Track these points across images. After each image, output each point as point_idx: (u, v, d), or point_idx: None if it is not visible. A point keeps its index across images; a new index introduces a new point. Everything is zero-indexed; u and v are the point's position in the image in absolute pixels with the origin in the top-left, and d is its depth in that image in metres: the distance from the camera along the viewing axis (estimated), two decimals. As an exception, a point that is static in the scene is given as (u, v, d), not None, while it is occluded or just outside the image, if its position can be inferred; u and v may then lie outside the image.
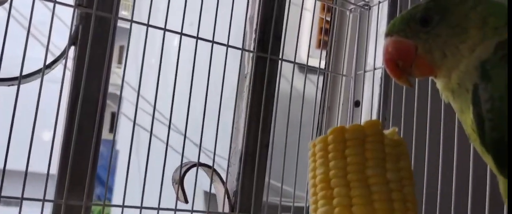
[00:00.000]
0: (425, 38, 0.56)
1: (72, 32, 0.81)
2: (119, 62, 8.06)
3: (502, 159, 0.49)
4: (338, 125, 1.19)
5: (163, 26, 0.86)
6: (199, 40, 0.91)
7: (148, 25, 0.84)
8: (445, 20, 0.55)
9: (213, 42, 0.91)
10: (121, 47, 7.77)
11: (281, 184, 1.02)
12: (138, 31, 0.91)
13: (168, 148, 0.94)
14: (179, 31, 0.89)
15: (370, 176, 0.50)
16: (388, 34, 0.58)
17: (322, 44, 1.20)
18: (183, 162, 0.93)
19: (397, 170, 0.52)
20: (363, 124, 0.54)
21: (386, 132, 0.55)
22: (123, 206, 0.85)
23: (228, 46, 0.93)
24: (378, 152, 0.52)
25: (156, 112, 0.92)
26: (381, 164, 0.51)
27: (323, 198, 0.51)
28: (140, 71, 0.87)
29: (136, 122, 0.93)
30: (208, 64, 0.91)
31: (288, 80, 1.01)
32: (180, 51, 0.89)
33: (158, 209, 0.87)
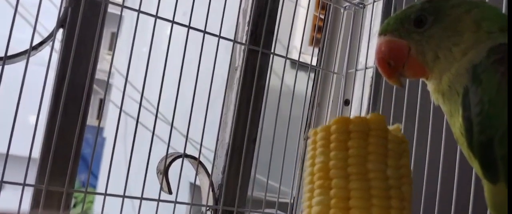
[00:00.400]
0: (419, 39, 0.55)
1: (61, 14, 0.79)
2: (110, 49, 7.99)
3: (488, 163, 0.49)
4: (327, 122, 1.19)
5: (155, 14, 0.85)
6: (191, 30, 0.90)
7: (139, 11, 0.83)
8: (439, 22, 0.55)
9: (204, 32, 0.90)
10: (113, 34, 7.69)
11: (267, 179, 1.01)
12: (131, 19, 0.90)
13: (156, 138, 0.93)
14: (171, 19, 0.87)
15: (371, 170, 0.49)
16: (382, 33, 0.58)
17: (315, 41, 1.20)
18: (169, 153, 0.92)
19: (397, 167, 0.51)
20: (368, 117, 0.53)
21: (390, 127, 0.55)
22: (105, 194, 0.84)
23: (220, 37, 0.92)
24: (380, 147, 0.51)
25: (145, 101, 0.91)
26: (383, 159, 0.50)
27: (320, 187, 0.51)
28: (129, 58, 0.86)
29: (125, 110, 0.91)
30: (200, 55, 0.90)
31: (280, 75, 1.01)
32: (171, 40, 0.88)
33: (141, 198, 0.86)
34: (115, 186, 0.87)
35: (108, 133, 5.97)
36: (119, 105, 0.88)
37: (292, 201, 1.16)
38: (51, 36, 0.78)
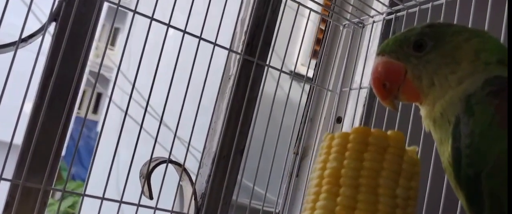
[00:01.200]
0: (416, 63, 0.54)
1: (55, 8, 0.78)
2: (113, 44, 7.98)
3: (473, 197, 0.47)
4: (318, 139, 1.18)
5: (151, 15, 0.84)
6: (187, 36, 0.88)
7: (134, 12, 0.82)
8: (438, 48, 0.54)
9: (200, 38, 0.89)
10: (116, 29, 7.69)
11: (253, 188, 0.99)
12: (136, 17, 0.89)
13: (148, 139, 0.91)
14: (167, 22, 0.86)
15: (381, 186, 0.49)
16: (380, 53, 0.57)
17: (313, 55, 1.19)
18: (153, 157, 0.90)
19: (407, 188, 0.50)
20: (388, 133, 0.52)
21: (407, 148, 0.54)
22: (83, 195, 0.82)
23: (215, 44, 0.91)
24: (395, 165, 0.50)
25: (142, 100, 0.89)
26: (395, 177, 0.50)
27: (328, 192, 0.50)
28: (121, 55, 0.85)
29: (122, 106, 0.90)
30: (197, 60, 0.89)
31: (280, 85, 0.99)
32: (167, 43, 0.87)
33: (120, 202, 0.84)
34: (103, 183, 0.85)
35: (104, 127, 5.94)
36: (118, 101, 0.87)
37: (277, 211, 1.14)
38: (42, 29, 0.77)
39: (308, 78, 1.12)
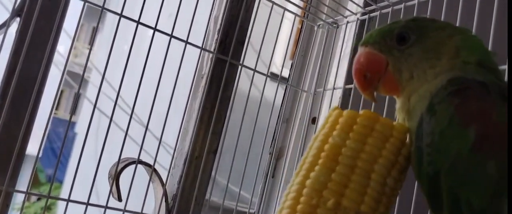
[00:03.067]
0: (398, 56, 0.55)
1: (18, 2, 0.75)
2: (90, 43, 7.85)
3: (433, 194, 0.48)
4: (293, 139, 1.17)
5: (119, 12, 0.81)
6: (159, 34, 0.86)
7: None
8: (421, 43, 0.54)
9: (171, 36, 0.87)
10: (94, 28, 7.57)
11: (226, 189, 0.98)
12: (114, 16, 0.86)
13: (129, 142, 0.89)
14: (137, 21, 0.84)
15: (375, 172, 0.51)
16: (363, 44, 0.57)
17: (291, 54, 1.18)
18: (122, 158, 0.88)
19: (397, 179, 0.52)
20: (394, 123, 0.54)
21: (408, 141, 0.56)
22: (48, 197, 0.80)
23: (187, 42, 0.89)
24: (393, 156, 0.52)
25: (119, 101, 0.87)
26: (390, 167, 0.51)
27: (324, 166, 0.51)
28: (108, 57, 0.82)
29: (99, 107, 0.88)
30: (177, 61, 0.87)
31: (254, 83, 0.98)
32: (134, 41, 0.85)
33: (87, 204, 0.82)
34: (82, 183, 0.82)
35: (80, 128, 5.86)
36: (94, 101, 0.85)
37: (252, 211, 1.13)
38: (4, 25, 0.74)
39: (283, 78, 1.11)
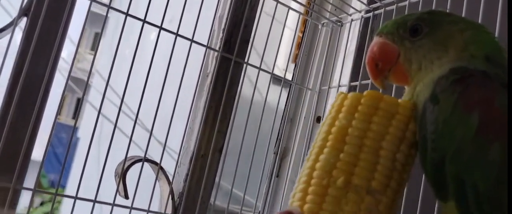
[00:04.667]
0: (409, 47, 0.56)
1: (25, 2, 0.76)
2: (93, 49, 7.89)
3: (439, 182, 0.48)
4: (297, 139, 1.17)
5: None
6: (165, 33, 0.87)
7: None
8: (432, 35, 0.55)
9: (177, 35, 0.88)
10: (97, 34, 7.60)
11: (231, 189, 0.98)
12: (116, 20, 0.87)
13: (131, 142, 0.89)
14: (143, 19, 0.85)
15: (383, 148, 0.51)
16: (378, 34, 0.59)
17: (294, 57, 1.19)
18: (128, 156, 0.88)
19: (407, 154, 0.52)
20: (399, 101, 0.55)
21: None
22: (55, 194, 0.80)
23: (192, 41, 0.90)
24: (400, 132, 0.52)
25: (122, 105, 0.88)
26: (398, 143, 0.52)
27: (332, 147, 0.52)
28: (113, 60, 0.83)
29: (102, 112, 0.88)
30: (182, 61, 0.88)
31: (258, 88, 0.99)
32: (140, 40, 0.85)
33: (94, 201, 0.82)
34: (85, 186, 0.83)
35: (83, 133, 5.87)
36: (95, 106, 0.85)
37: (257, 212, 1.13)
38: (11, 24, 0.74)
39: (287, 79, 1.12)
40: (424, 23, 0.56)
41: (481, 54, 0.53)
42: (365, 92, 0.54)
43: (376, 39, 0.58)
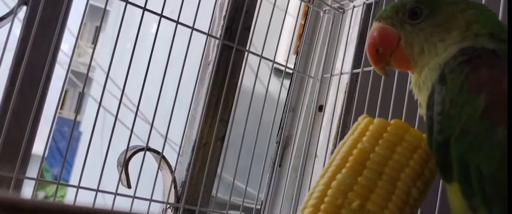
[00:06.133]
0: (410, 30, 0.55)
1: (25, -10, 0.76)
2: (94, 42, 7.87)
3: (444, 162, 0.48)
4: (299, 128, 1.17)
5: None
6: (166, 25, 0.86)
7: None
8: (433, 17, 0.54)
9: (177, 22, 0.87)
10: (97, 27, 7.58)
11: (233, 180, 0.98)
12: (117, 13, 0.87)
13: (125, 133, 0.89)
14: (143, 7, 0.84)
15: (401, 180, 0.51)
16: (377, 19, 0.58)
17: (296, 45, 1.18)
18: (130, 146, 0.88)
19: (421, 191, 0.53)
20: (423, 135, 0.54)
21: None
22: (58, 183, 0.80)
23: (193, 29, 0.89)
24: (419, 167, 0.53)
25: (124, 98, 0.87)
26: (415, 177, 0.52)
27: (351, 169, 0.52)
28: (113, 52, 0.82)
29: (103, 104, 0.88)
30: (183, 50, 0.87)
31: (259, 78, 0.98)
32: (142, 32, 0.85)
33: (97, 190, 0.82)
34: (88, 179, 0.83)
35: (85, 127, 5.89)
36: (98, 98, 0.85)
37: (259, 206, 1.13)
38: (11, 13, 0.74)
39: (289, 67, 1.11)
40: (424, 5, 0.55)
41: (485, 32, 0.52)
42: (392, 121, 0.54)
43: (375, 25, 0.58)
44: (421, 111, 0.54)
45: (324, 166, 1.06)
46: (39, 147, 0.82)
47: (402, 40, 0.55)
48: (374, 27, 0.57)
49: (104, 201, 0.91)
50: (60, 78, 0.85)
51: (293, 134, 1.18)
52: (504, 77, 0.45)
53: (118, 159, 0.89)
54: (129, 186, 0.88)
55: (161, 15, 0.85)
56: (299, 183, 1.11)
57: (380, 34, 0.56)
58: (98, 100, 0.85)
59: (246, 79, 1.01)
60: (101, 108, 0.86)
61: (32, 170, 0.86)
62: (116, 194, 0.84)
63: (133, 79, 0.84)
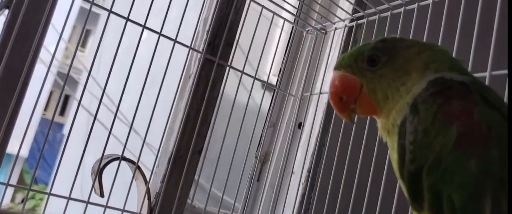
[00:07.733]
0: (371, 77, 0.56)
1: (7, -6, 0.76)
2: (83, 45, 7.82)
3: (415, 192, 0.48)
4: (278, 144, 1.18)
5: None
6: (149, 36, 0.87)
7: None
8: (392, 63, 0.55)
9: (160, 34, 0.88)
10: (87, 31, 7.54)
11: (209, 190, 0.98)
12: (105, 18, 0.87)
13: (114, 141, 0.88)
14: (126, 17, 0.85)
15: None
16: (336, 67, 0.58)
17: (278, 63, 1.19)
18: (105, 154, 0.88)
19: None
20: None
21: None
22: (29, 189, 0.79)
23: (175, 41, 0.90)
24: None
25: (107, 100, 0.87)
26: None
27: None
28: (94, 57, 0.82)
29: (89, 109, 0.88)
30: (165, 62, 0.88)
31: (242, 91, 0.99)
32: (122, 39, 0.85)
33: (68, 198, 0.81)
34: (68, 185, 0.82)
35: (68, 130, 5.81)
36: (84, 104, 0.85)
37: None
38: (-8, 15, 0.74)
39: (271, 84, 1.12)
40: (381, 52, 0.56)
41: (444, 67, 0.53)
42: None
43: (335, 74, 0.58)
44: (390, 153, 0.55)
45: (300, 183, 1.08)
46: (18, 146, 0.81)
47: (364, 87, 0.56)
48: (335, 76, 0.58)
49: (82, 208, 0.89)
50: (46, 79, 0.84)
51: (271, 149, 1.19)
52: (475, 109, 0.46)
53: (92, 167, 0.89)
54: (102, 195, 0.87)
55: (144, 26, 0.86)
56: (274, 199, 1.11)
57: (342, 82, 0.57)
58: (84, 104, 0.85)
59: (228, 88, 1.01)
60: (85, 112, 0.86)
61: (14, 172, 0.84)
62: (88, 202, 0.84)
63: (120, 86, 0.84)
